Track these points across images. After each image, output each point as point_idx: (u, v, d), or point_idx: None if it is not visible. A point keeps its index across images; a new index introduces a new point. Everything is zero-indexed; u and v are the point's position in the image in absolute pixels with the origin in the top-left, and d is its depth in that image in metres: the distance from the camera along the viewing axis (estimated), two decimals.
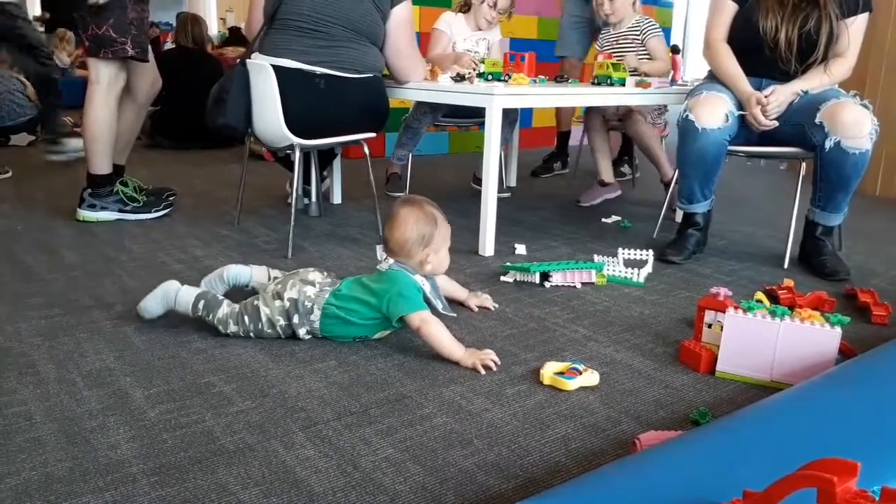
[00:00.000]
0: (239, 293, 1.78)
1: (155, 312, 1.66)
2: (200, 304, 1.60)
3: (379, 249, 1.66)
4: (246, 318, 1.59)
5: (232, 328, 1.59)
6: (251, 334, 1.59)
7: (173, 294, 1.64)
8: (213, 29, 13.91)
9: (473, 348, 1.54)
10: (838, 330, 1.41)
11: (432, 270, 1.64)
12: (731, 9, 2.32)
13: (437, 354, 1.53)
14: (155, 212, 2.77)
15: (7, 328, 1.65)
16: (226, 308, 1.60)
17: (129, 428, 1.22)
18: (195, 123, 4.68)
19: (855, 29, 2.24)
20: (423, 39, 4.38)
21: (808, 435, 0.95)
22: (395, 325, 1.58)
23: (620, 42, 3.19)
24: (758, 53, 2.24)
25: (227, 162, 4.38)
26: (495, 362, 1.50)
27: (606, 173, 3.30)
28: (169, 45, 6.99)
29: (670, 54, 3.08)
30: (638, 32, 3.13)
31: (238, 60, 2.46)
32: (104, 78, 2.59)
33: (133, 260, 2.23)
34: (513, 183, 3.81)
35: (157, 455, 1.14)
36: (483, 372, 1.47)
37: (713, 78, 2.39)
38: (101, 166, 2.68)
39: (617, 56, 3.04)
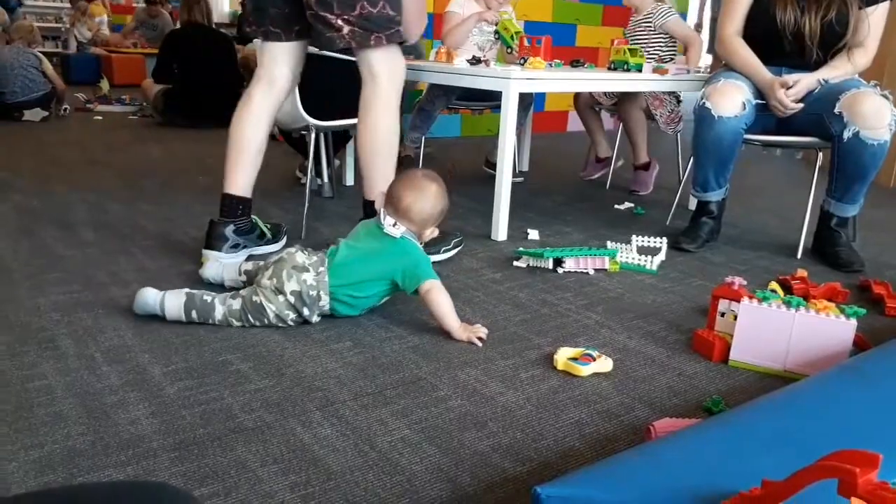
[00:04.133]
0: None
1: (145, 312, 1.58)
2: (193, 314, 1.55)
3: (383, 211, 1.65)
4: (250, 315, 1.56)
5: (235, 325, 1.57)
6: (256, 326, 1.58)
7: (154, 303, 1.56)
8: (226, 6, 13.87)
9: (465, 323, 1.59)
10: (853, 322, 1.41)
11: (426, 239, 1.72)
12: (745, 2, 2.29)
13: (450, 337, 1.55)
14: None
15: (27, 304, 1.66)
16: (221, 308, 1.56)
17: (149, 404, 1.24)
18: (209, 101, 4.72)
19: (876, 18, 2.22)
20: (437, 21, 4.36)
21: (825, 426, 0.95)
22: (409, 293, 1.61)
23: (637, 31, 3.18)
24: (777, 45, 2.23)
25: None
26: (486, 335, 1.57)
27: (603, 150, 3.45)
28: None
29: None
30: (650, 21, 3.12)
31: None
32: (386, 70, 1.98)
33: (148, 238, 2.24)
34: (525, 167, 3.79)
35: (176, 431, 1.16)
36: (480, 344, 1.53)
37: (729, 68, 2.37)
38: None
39: (637, 43, 3.04)
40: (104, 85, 5.85)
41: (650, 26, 3.13)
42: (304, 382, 1.34)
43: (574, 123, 5.13)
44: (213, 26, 4.94)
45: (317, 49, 2.27)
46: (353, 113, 2.38)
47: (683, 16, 6.08)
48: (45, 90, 4.78)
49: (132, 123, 4.96)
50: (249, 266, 1.78)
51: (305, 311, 1.57)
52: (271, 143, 2.70)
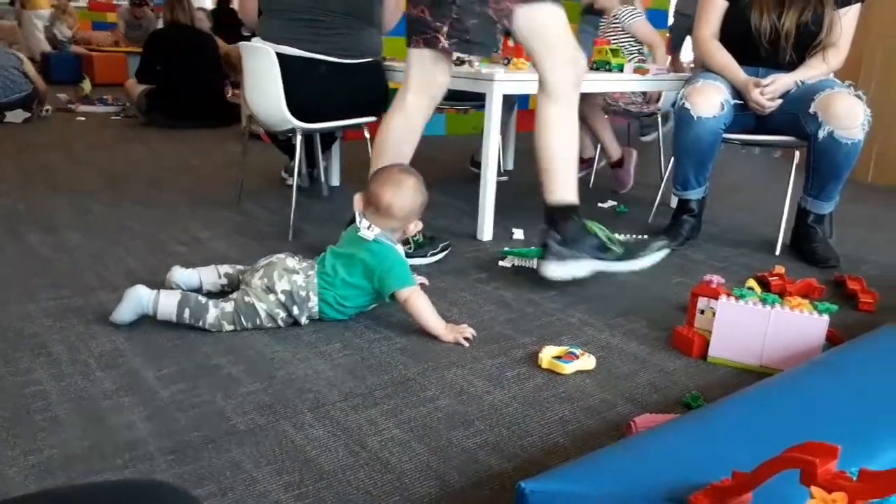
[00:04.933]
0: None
1: (128, 320, 1.58)
2: (186, 313, 1.56)
3: (358, 215, 1.66)
4: (242, 317, 1.58)
5: (227, 328, 1.58)
6: (248, 329, 1.60)
7: (146, 301, 1.56)
8: (207, 3, 13.77)
9: (452, 324, 1.62)
10: (826, 318, 1.46)
11: (402, 238, 1.74)
12: (720, 4, 2.35)
13: (437, 338, 1.58)
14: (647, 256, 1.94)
15: (17, 309, 1.68)
16: (215, 311, 1.57)
17: (144, 408, 1.27)
18: (192, 101, 4.72)
19: (848, 19, 2.28)
20: None
21: (794, 419, 1.00)
22: (386, 299, 1.63)
23: (607, 31, 3.24)
24: (753, 47, 2.28)
25: (223, 140, 4.39)
26: (473, 335, 1.59)
27: (586, 150, 3.48)
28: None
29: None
30: (619, 21, 3.17)
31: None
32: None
33: (135, 241, 2.26)
34: (510, 166, 3.84)
35: (171, 434, 1.19)
36: (466, 345, 1.56)
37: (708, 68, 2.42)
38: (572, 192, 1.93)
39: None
40: (86, 85, 5.82)
41: (619, 27, 3.18)
42: (295, 384, 1.38)
43: None
44: (196, 26, 4.93)
45: (301, 52, 2.30)
46: (339, 116, 2.43)
47: (664, 13, 6.14)
48: (27, 91, 4.75)
49: (115, 124, 4.95)
50: (230, 269, 1.79)
51: (295, 310, 1.60)
52: (255, 142, 2.73)
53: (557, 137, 1.87)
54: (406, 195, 1.66)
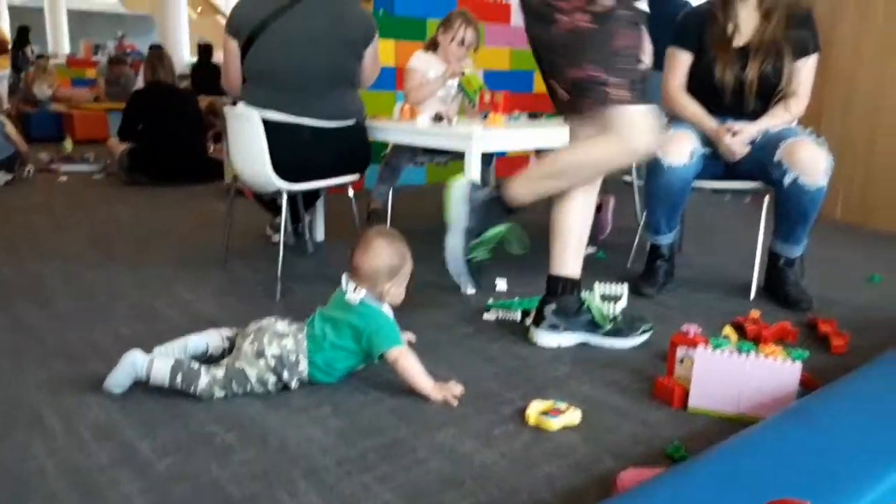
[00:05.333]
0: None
1: (124, 386, 1.61)
2: (178, 378, 1.59)
3: (345, 278, 1.71)
4: (233, 382, 1.60)
5: (217, 395, 1.60)
6: (239, 395, 1.62)
7: (142, 366, 1.60)
8: (185, 55, 13.97)
9: (440, 382, 1.65)
10: (798, 364, 1.52)
11: (390, 301, 1.74)
12: (685, 58, 2.48)
13: (426, 397, 1.62)
14: (630, 337, 2.00)
15: (10, 381, 1.70)
16: (206, 378, 1.59)
17: (140, 481, 1.29)
18: (174, 159, 4.77)
19: (807, 69, 2.40)
20: (400, 74, 4.51)
21: (769, 473, 1.05)
22: (375, 360, 1.67)
23: None
24: (719, 98, 2.39)
25: (206, 197, 4.43)
26: (461, 393, 1.63)
27: None
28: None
29: None
30: None
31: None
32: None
33: (124, 306, 2.28)
34: None
35: None
36: (455, 403, 1.60)
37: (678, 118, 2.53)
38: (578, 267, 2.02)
39: None
40: (67, 145, 5.86)
41: None
42: (288, 451, 1.40)
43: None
44: (177, 83, 5.02)
45: (287, 117, 2.37)
46: (323, 176, 2.50)
47: None
48: (9, 153, 4.78)
49: (97, 183, 4.98)
50: (230, 333, 1.81)
51: (285, 375, 1.63)
52: (239, 200, 2.78)
53: (578, 213, 1.99)
54: (373, 256, 1.68)
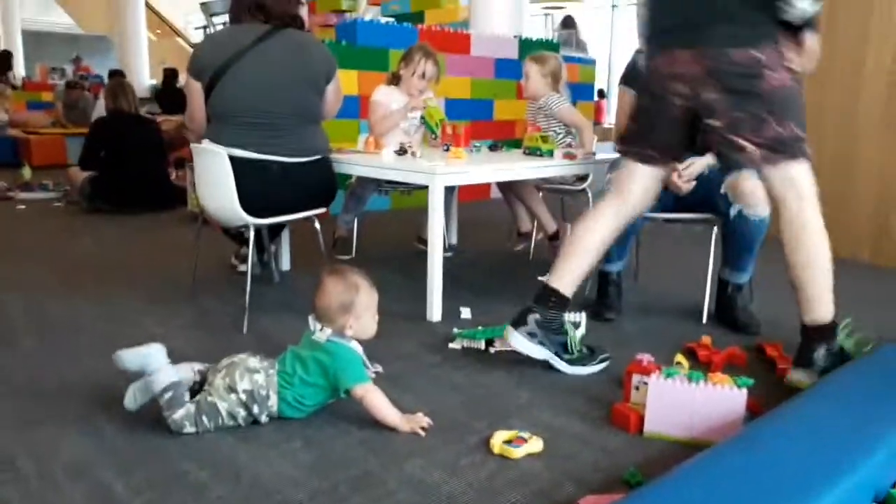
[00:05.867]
0: None
1: (128, 367, 1.66)
2: (166, 396, 1.62)
3: (311, 319, 1.77)
4: (204, 417, 1.64)
5: (188, 429, 1.63)
6: (210, 430, 1.65)
7: (153, 365, 1.65)
8: (146, 79, 13.85)
9: (408, 413, 1.71)
10: (744, 391, 1.63)
11: (354, 335, 1.78)
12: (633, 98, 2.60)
13: (393, 428, 1.68)
14: (590, 366, 2.10)
15: None
16: (183, 410, 1.63)
17: None
18: (136, 186, 4.75)
19: None
20: (363, 103, 4.59)
21: (715, 499, 1.14)
22: (342, 395, 1.73)
23: (538, 117, 3.46)
24: None
25: (169, 225, 4.43)
26: (429, 423, 1.69)
27: (524, 224, 3.70)
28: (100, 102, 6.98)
29: (596, 99, 3.40)
30: (547, 108, 3.40)
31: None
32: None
33: (91, 341, 2.29)
34: (454, 240, 3.99)
35: None
36: (423, 434, 1.66)
37: None
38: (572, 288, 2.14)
39: (540, 126, 3.35)
40: (26, 172, 5.78)
41: (549, 113, 3.41)
42: (261, 486, 1.45)
43: (497, 190, 5.42)
44: (139, 111, 5.01)
45: (253, 154, 2.42)
46: (290, 210, 2.55)
47: (590, 87, 6.54)
48: None
49: (58, 212, 4.93)
50: (202, 367, 1.84)
51: (255, 409, 1.68)
52: (205, 229, 2.80)
53: (599, 236, 2.11)
54: (322, 296, 1.75)
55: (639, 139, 2.13)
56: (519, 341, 2.06)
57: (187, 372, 1.81)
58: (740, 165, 2.00)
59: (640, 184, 2.13)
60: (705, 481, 1.22)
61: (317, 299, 1.76)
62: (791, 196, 1.93)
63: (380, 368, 1.98)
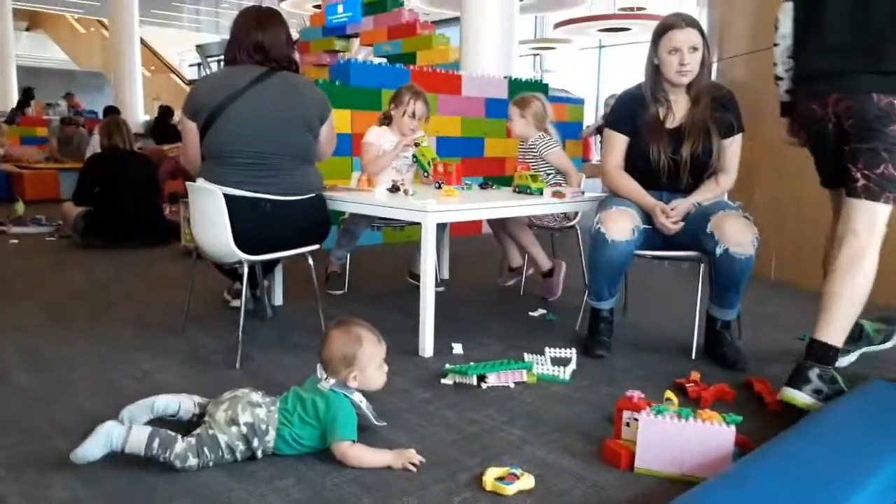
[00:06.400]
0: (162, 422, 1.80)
1: (96, 457, 1.61)
2: (155, 443, 1.62)
3: (319, 367, 1.82)
4: (206, 448, 1.65)
5: (191, 462, 1.63)
6: (210, 464, 1.66)
7: (118, 438, 1.61)
8: (140, 114, 13.97)
9: (399, 448, 1.73)
10: (732, 428, 1.65)
11: (360, 387, 1.81)
12: (622, 141, 2.68)
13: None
14: None
15: None
16: (182, 443, 1.64)
17: None
18: (129, 222, 4.78)
19: (734, 146, 2.62)
20: (356, 141, 4.66)
21: None
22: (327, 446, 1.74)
23: (527, 157, 3.52)
24: (655, 176, 2.58)
25: (162, 260, 4.45)
26: (421, 461, 1.70)
27: (514, 260, 3.71)
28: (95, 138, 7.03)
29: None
30: (536, 150, 3.46)
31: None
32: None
33: (84, 379, 2.29)
34: (446, 275, 4.03)
35: None
36: (414, 470, 1.67)
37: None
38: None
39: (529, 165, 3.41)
40: (19, 207, 5.80)
41: (537, 154, 3.47)
42: None
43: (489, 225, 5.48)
44: (133, 148, 5.06)
45: (247, 193, 2.46)
46: (284, 247, 2.58)
47: (579, 125, 6.66)
48: None
49: (51, 246, 4.94)
50: (202, 401, 1.85)
51: (255, 443, 1.69)
52: (199, 264, 2.82)
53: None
54: (326, 347, 1.80)
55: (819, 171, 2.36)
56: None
57: (187, 402, 1.85)
58: (850, 193, 2.13)
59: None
60: None
61: (322, 350, 1.81)
62: (866, 228, 2.08)
63: (384, 423, 1.91)
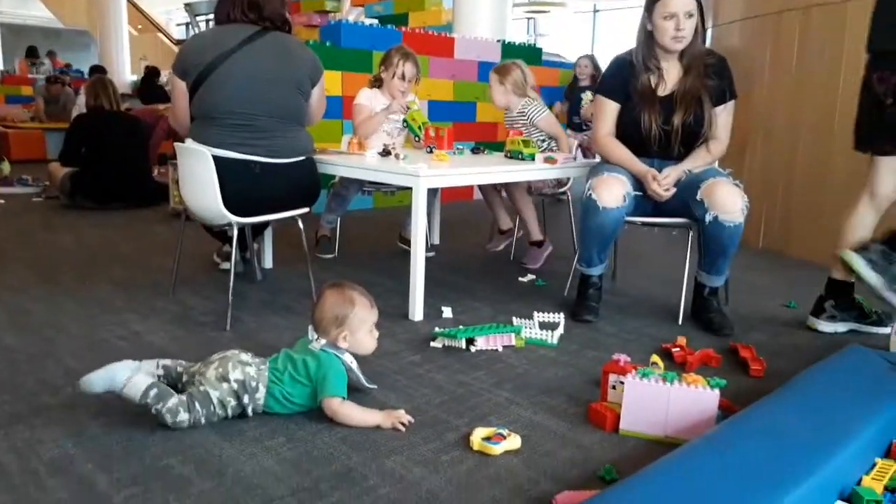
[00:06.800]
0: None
1: (96, 390, 1.64)
2: (152, 392, 1.63)
3: (310, 328, 1.83)
4: (197, 404, 1.66)
5: (182, 416, 1.64)
6: (202, 420, 1.67)
7: (122, 379, 1.63)
8: (127, 74, 13.74)
9: (389, 409, 1.75)
10: (716, 392, 1.68)
11: (350, 349, 1.83)
12: (613, 108, 2.66)
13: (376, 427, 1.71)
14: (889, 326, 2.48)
15: None
16: (175, 398, 1.65)
17: None
18: (117, 182, 4.74)
19: (725, 115, 2.61)
20: (346, 103, 4.61)
21: (686, 496, 1.18)
22: (316, 404, 1.76)
23: (515, 125, 3.50)
24: (646, 143, 2.58)
25: (151, 222, 4.42)
26: (409, 421, 1.73)
27: (504, 222, 3.71)
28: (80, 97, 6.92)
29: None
30: (525, 117, 3.44)
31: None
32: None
33: (73, 339, 2.29)
34: (436, 240, 4.03)
35: None
36: (403, 430, 1.70)
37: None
38: None
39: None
40: (5, 167, 5.73)
41: (525, 121, 3.45)
42: (243, 482, 1.47)
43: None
44: (120, 108, 4.98)
45: (237, 154, 2.44)
46: (273, 210, 2.57)
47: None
48: None
49: (37, 207, 4.90)
50: (168, 363, 1.84)
51: (245, 399, 1.70)
52: (189, 225, 2.80)
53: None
54: (319, 307, 1.81)
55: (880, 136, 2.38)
56: (824, 325, 2.56)
57: (150, 366, 1.82)
58: None
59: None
60: (677, 478, 1.26)
61: (314, 310, 1.82)
62: None
63: (374, 387, 1.94)
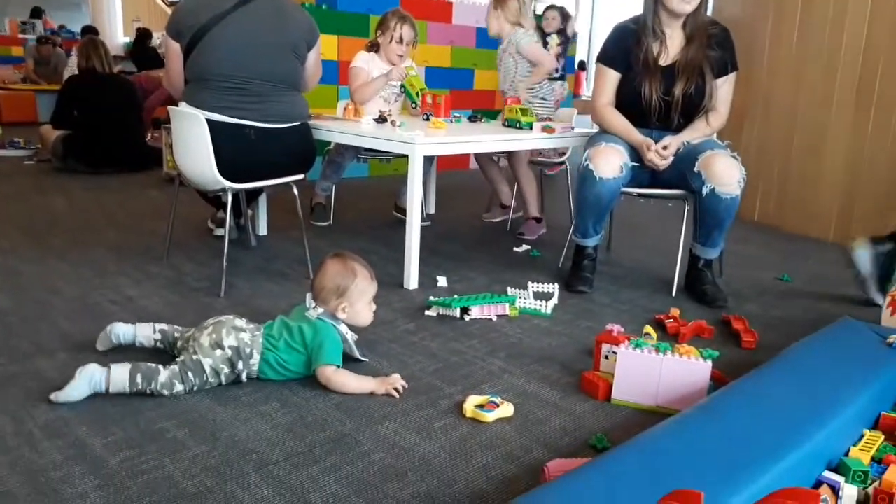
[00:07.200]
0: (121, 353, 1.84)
1: (80, 398, 1.61)
2: (138, 378, 1.62)
3: (308, 296, 1.84)
4: (190, 373, 1.66)
5: (178, 388, 1.65)
6: (195, 388, 1.68)
7: (99, 380, 1.61)
8: (119, 36, 13.49)
9: (383, 376, 1.77)
10: (708, 363, 1.69)
11: (347, 320, 1.83)
12: (613, 77, 2.62)
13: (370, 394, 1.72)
14: None
15: None
16: (165, 372, 1.65)
17: (94, 477, 1.34)
18: (110, 146, 4.69)
19: (727, 86, 2.58)
20: (343, 68, 4.55)
21: (677, 463, 1.20)
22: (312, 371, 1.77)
23: (504, 58, 3.46)
24: (645, 114, 2.55)
25: (144, 186, 4.39)
26: (403, 386, 1.74)
27: (506, 197, 3.69)
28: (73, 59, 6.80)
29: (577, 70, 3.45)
30: (514, 45, 3.41)
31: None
32: None
33: (66, 302, 2.28)
34: (432, 209, 4.01)
35: (124, 502, 1.27)
36: (397, 396, 1.71)
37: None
38: None
39: (507, 70, 3.44)
40: None
41: (513, 51, 3.42)
42: (238, 446, 1.48)
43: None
44: (113, 70, 4.90)
45: (230, 119, 2.41)
46: (268, 175, 2.55)
47: (570, 59, 6.51)
48: None
49: (29, 170, 4.85)
50: (165, 327, 1.87)
51: (240, 366, 1.71)
52: (183, 191, 2.77)
53: None
54: (320, 276, 1.82)
55: None
56: (864, 256, 2.55)
57: (146, 329, 1.86)
58: None
59: None
60: (668, 447, 1.27)
61: (315, 278, 1.82)
62: None
63: (367, 359, 1.93)
